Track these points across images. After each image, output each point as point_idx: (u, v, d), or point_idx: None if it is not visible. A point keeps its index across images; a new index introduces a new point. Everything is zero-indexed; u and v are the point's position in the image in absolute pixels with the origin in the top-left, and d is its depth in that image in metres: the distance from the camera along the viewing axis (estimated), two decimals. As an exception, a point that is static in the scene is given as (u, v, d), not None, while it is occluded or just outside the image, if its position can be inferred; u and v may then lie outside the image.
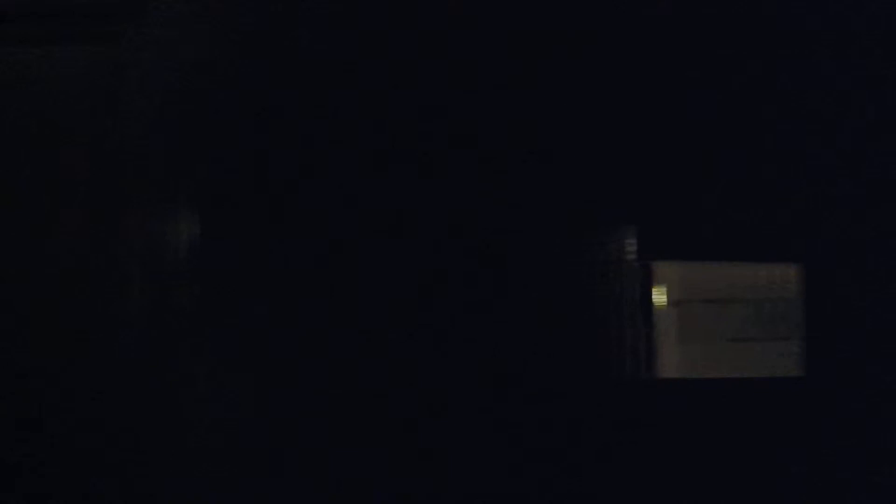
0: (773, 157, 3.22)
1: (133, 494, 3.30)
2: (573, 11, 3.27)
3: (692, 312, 3.19)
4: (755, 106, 3.23)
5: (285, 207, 3.33)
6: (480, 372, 3.25)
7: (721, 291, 3.19)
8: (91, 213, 3.44)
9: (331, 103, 3.32)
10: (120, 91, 3.44)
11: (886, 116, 3.18)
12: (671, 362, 3.19)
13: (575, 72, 3.27)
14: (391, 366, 3.26)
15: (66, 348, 3.35)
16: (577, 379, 3.24)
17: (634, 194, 3.26)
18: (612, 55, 3.26)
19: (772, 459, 3.17)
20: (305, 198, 3.33)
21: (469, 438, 3.23)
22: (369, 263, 3.28)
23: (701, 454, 3.18)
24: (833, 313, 3.17)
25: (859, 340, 3.15)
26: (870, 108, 3.19)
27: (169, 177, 3.43)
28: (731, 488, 3.18)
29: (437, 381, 3.26)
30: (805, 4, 3.20)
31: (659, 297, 3.20)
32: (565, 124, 3.27)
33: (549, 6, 3.28)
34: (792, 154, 3.22)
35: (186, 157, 3.41)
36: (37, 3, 3.43)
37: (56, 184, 3.41)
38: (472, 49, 3.28)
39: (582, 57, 3.27)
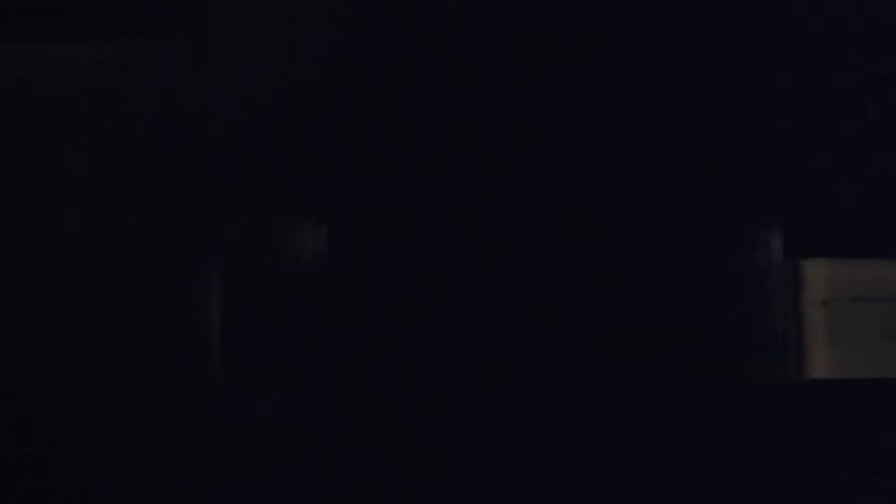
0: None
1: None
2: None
3: (841, 311, 3.10)
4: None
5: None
6: (619, 369, 3.14)
7: (871, 289, 3.12)
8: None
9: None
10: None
11: None
12: (819, 363, 3.10)
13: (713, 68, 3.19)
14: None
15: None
16: (721, 381, 3.12)
17: (781, 191, 3.18)
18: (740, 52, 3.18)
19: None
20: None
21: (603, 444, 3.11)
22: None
23: (849, 455, 3.10)
24: None
25: None
26: None
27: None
28: (880, 491, 3.10)
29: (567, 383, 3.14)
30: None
31: (807, 295, 3.11)
32: (718, 121, 3.19)
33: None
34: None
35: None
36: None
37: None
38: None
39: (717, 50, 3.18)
